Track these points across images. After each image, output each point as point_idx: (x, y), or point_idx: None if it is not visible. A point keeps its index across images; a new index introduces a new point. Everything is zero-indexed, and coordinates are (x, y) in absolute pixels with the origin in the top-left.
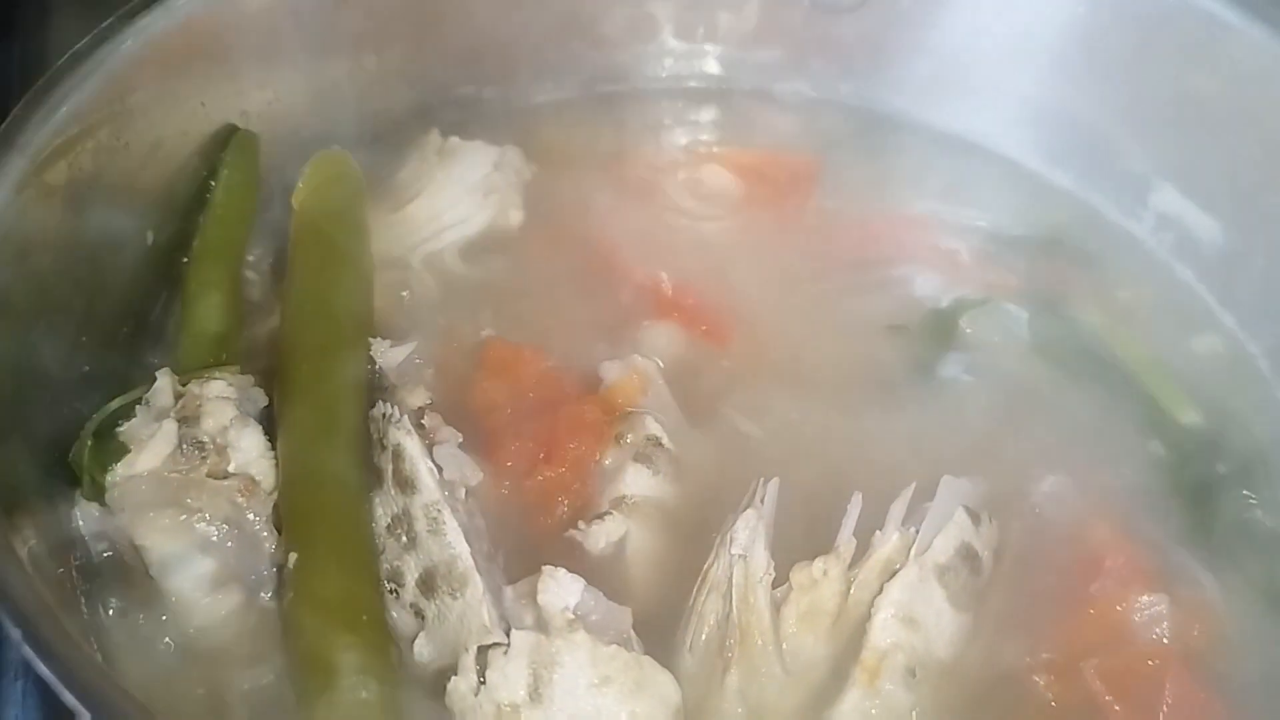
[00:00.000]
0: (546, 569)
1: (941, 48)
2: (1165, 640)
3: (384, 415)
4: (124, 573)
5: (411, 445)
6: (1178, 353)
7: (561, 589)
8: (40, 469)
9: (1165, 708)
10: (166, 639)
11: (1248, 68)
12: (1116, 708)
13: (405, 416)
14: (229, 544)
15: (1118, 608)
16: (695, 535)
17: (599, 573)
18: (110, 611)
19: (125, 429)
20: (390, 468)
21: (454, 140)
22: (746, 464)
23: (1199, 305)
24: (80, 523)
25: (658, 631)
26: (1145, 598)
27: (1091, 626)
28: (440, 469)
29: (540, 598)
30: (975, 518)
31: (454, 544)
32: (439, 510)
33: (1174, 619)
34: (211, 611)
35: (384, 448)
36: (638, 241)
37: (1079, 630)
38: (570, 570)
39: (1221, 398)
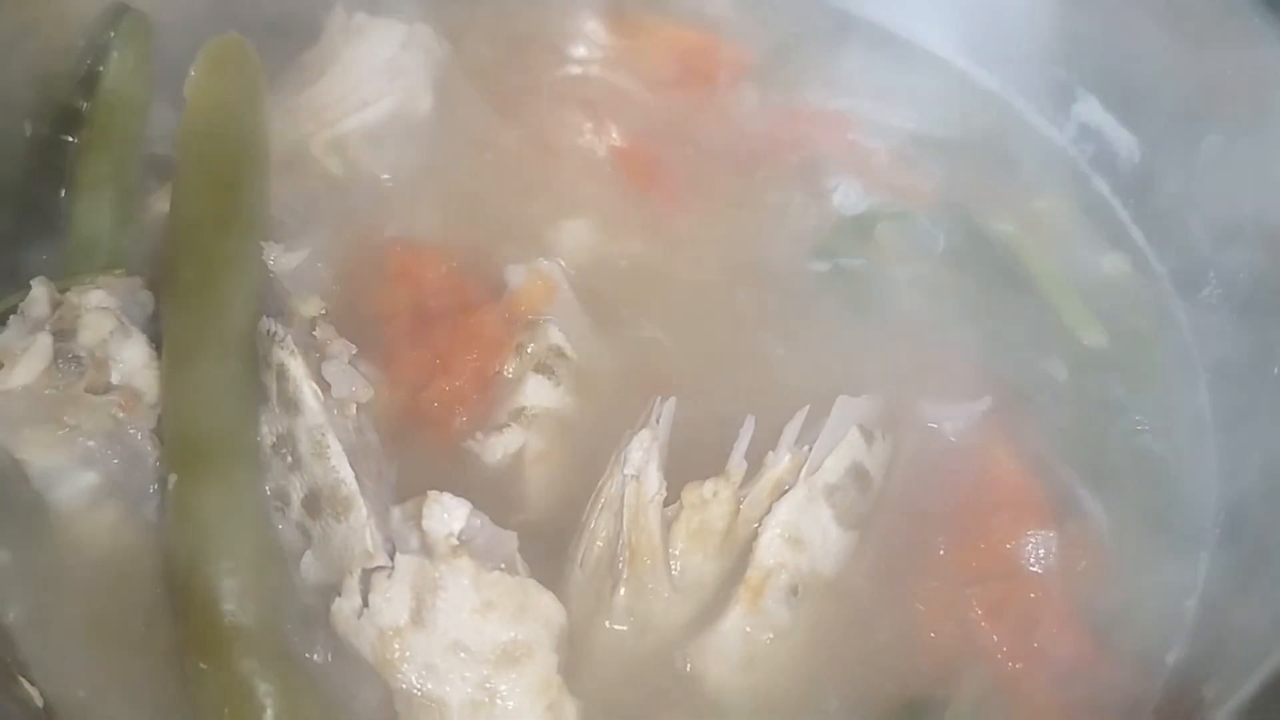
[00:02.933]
0: (432, 493)
1: None
2: (1050, 574)
3: (269, 332)
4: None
5: (295, 366)
6: (1087, 271)
7: (446, 513)
8: None
9: (1040, 639)
10: (50, 551)
11: None
12: (994, 637)
13: (289, 335)
14: (112, 459)
15: (1008, 545)
16: (595, 449)
17: (495, 485)
18: None
19: None
20: (274, 387)
21: (360, 17)
22: (651, 377)
23: (1112, 220)
24: None
25: (552, 546)
26: (1036, 533)
27: (979, 557)
28: (329, 386)
29: (424, 522)
30: (869, 436)
31: (338, 468)
32: (323, 434)
33: (1061, 553)
34: (95, 525)
35: (268, 365)
36: (562, 120)
37: (965, 560)
38: (467, 481)
39: (1125, 319)
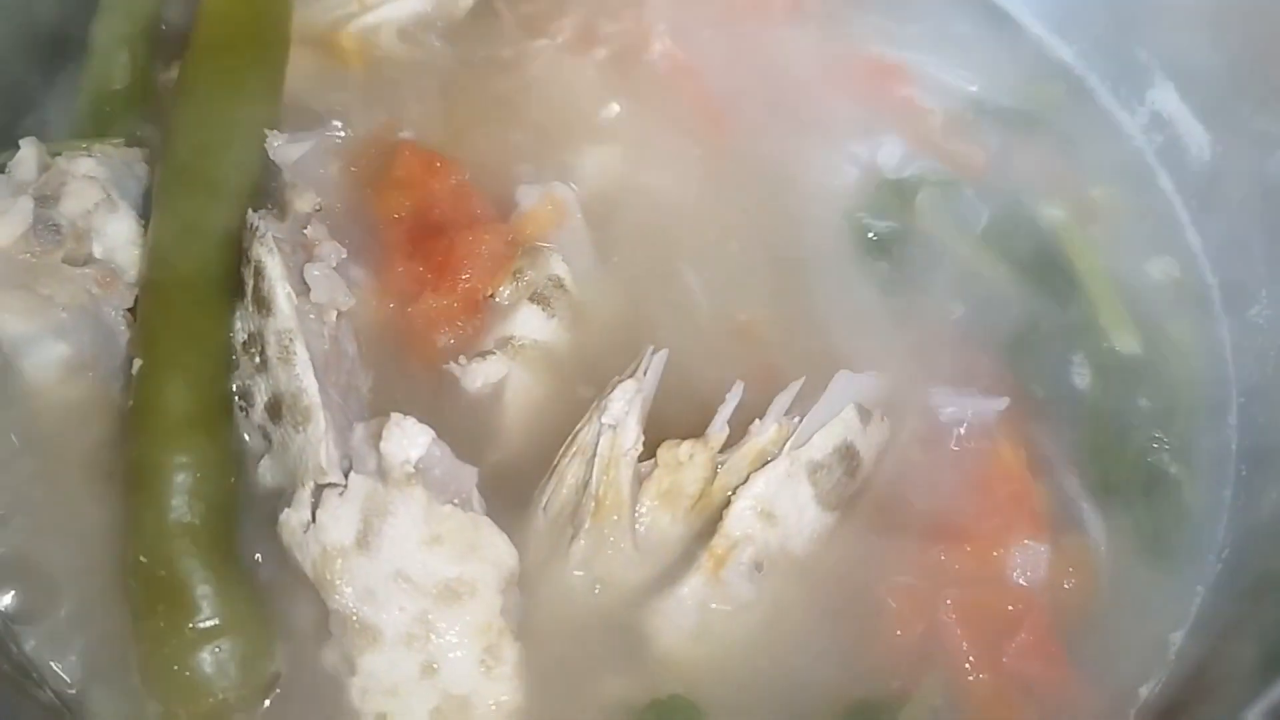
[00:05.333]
0: (395, 416)
1: None
2: (1034, 587)
3: (252, 226)
4: None
5: (272, 265)
6: (1132, 271)
7: (407, 439)
8: None
9: (1011, 653)
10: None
11: None
12: (963, 644)
13: (270, 232)
14: (84, 334)
15: (995, 551)
16: (581, 391)
17: (471, 414)
18: None
19: None
20: (251, 283)
21: None
22: (651, 325)
23: (1170, 220)
24: None
25: (518, 483)
26: (1028, 543)
27: (963, 560)
28: (309, 289)
29: (383, 445)
30: (865, 416)
31: (302, 377)
32: (291, 339)
33: (1050, 568)
34: (62, 398)
35: (248, 261)
36: (606, 33)
37: (948, 560)
38: (442, 406)
39: (1164, 328)
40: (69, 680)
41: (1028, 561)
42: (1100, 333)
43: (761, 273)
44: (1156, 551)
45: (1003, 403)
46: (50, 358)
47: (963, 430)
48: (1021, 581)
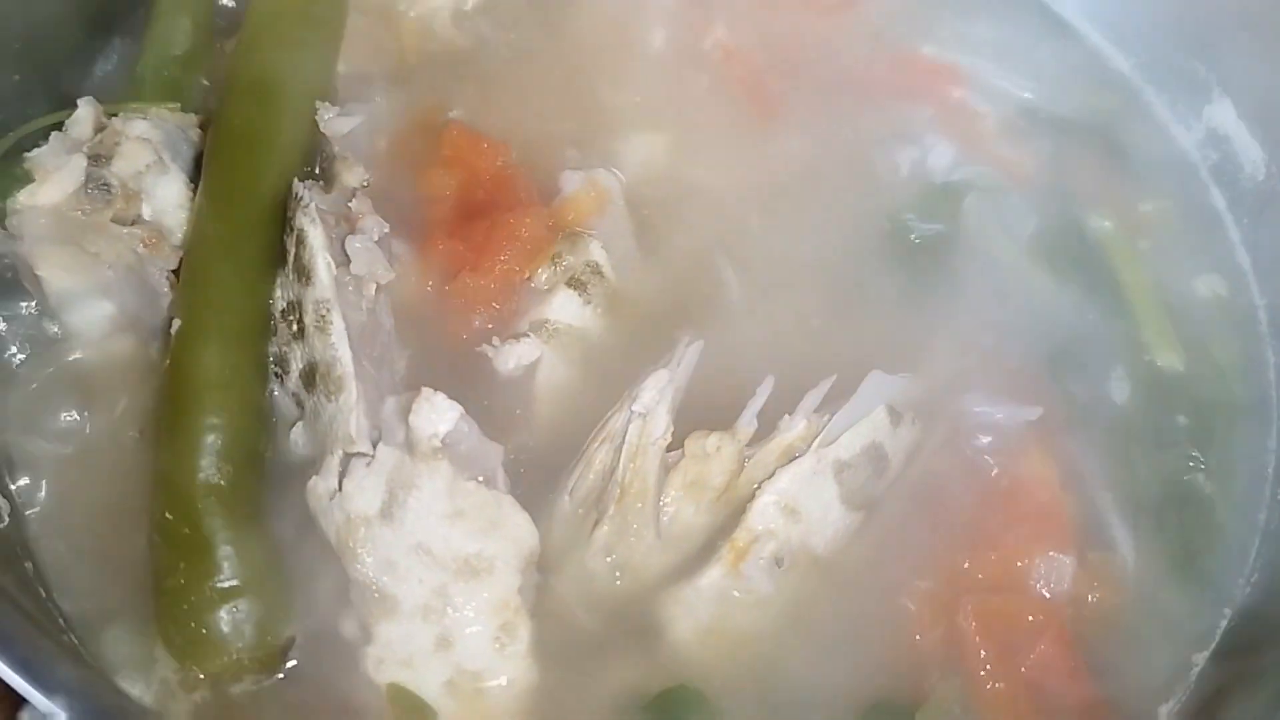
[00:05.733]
0: (425, 390)
1: None
2: (1058, 600)
3: (296, 195)
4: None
5: (314, 234)
6: (1179, 288)
7: (435, 414)
8: None
9: (1030, 663)
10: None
11: None
12: (981, 651)
13: (314, 202)
14: (129, 293)
15: (1020, 561)
16: (613, 378)
17: (502, 394)
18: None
19: (33, 156)
20: (293, 252)
21: None
22: (688, 316)
23: (1220, 238)
24: None
25: (546, 466)
26: (1053, 555)
27: (987, 568)
28: (349, 261)
29: (411, 418)
30: (896, 418)
31: (337, 346)
32: (328, 309)
33: (1075, 581)
34: (104, 354)
35: (291, 229)
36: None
37: (972, 567)
38: (474, 385)
39: (1208, 347)
40: (90, 627)
41: (1052, 573)
42: (1142, 347)
43: (802, 269)
44: (1185, 571)
45: (1036, 412)
46: (96, 315)
47: (995, 438)
48: (1045, 593)
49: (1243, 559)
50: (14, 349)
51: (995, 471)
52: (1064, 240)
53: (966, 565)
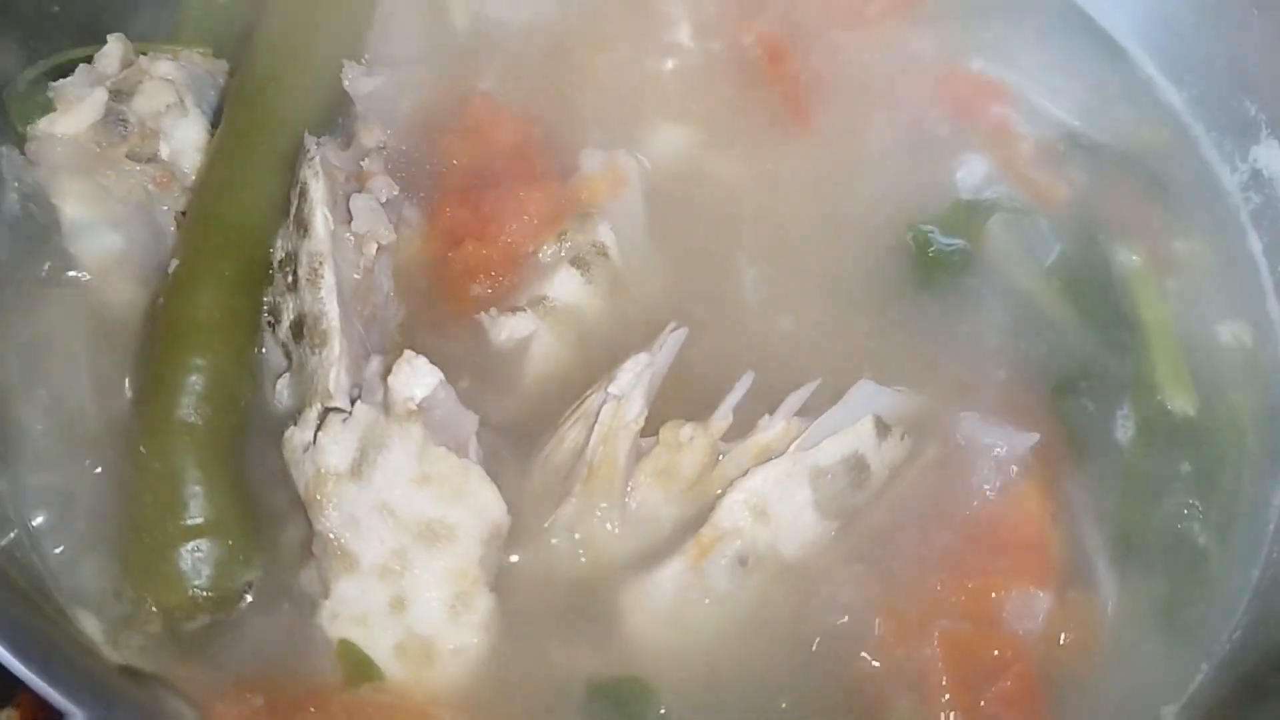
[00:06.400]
0: (408, 353)
1: None
2: (1029, 637)
3: (304, 148)
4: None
5: (315, 188)
6: (1201, 331)
7: (414, 377)
8: None
9: (990, 698)
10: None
11: None
12: (943, 679)
13: (319, 156)
14: (136, 229)
15: (995, 592)
16: (605, 362)
17: (492, 365)
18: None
19: (58, 86)
20: (295, 204)
21: None
22: (688, 306)
23: (1253, 285)
24: (3, 163)
25: (527, 440)
26: (1030, 590)
27: (960, 594)
28: (351, 219)
29: (391, 379)
30: (884, 430)
31: (326, 300)
32: (321, 262)
33: (1048, 620)
34: (108, 288)
35: (296, 181)
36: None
37: (945, 592)
38: (465, 353)
39: (1223, 395)
40: (58, 553)
41: (1026, 609)
42: (1154, 388)
43: (812, 271)
44: (1167, 621)
45: (1033, 439)
46: (104, 247)
47: (988, 463)
48: (1016, 628)
49: (1228, 614)
50: None
51: (984, 497)
52: (1087, 270)
53: (939, 589)
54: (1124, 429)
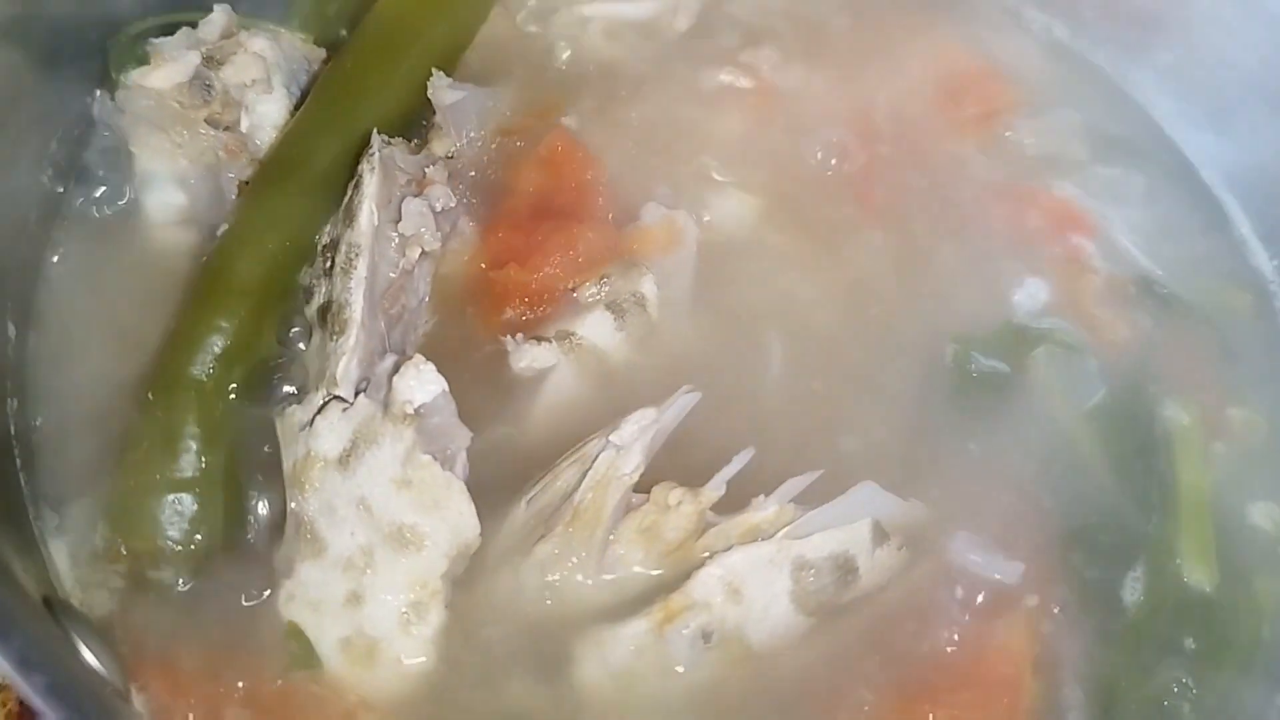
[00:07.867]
0: (417, 357)
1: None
2: None
3: (369, 144)
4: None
5: (369, 182)
6: (1232, 507)
7: (418, 382)
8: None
9: None
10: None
11: None
12: None
13: (379, 152)
14: (202, 190)
15: None
16: (615, 407)
17: (505, 389)
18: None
19: (157, 43)
20: (349, 195)
21: None
22: (714, 376)
23: None
24: (96, 105)
25: (522, 471)
26: None
27: None
28: (400, 219)
29: (396, 379)
30: (881, 537)
31: (353, 290)
32: (356, 254)
33: None
34: (169, 242)
35: (354, 173)
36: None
37: (902, 716)
38: (481, 371)
39: (1245, 579)
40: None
41: None
42: (1174, 554)
43: (842, 363)
44: None
45: (1019, 568)
46: (170, 201)
47: (981, 592)
48: None
49: None
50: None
51: (966, 627)
52: (1129, 419)
53: (898, 708)
54: (1132, 590)
